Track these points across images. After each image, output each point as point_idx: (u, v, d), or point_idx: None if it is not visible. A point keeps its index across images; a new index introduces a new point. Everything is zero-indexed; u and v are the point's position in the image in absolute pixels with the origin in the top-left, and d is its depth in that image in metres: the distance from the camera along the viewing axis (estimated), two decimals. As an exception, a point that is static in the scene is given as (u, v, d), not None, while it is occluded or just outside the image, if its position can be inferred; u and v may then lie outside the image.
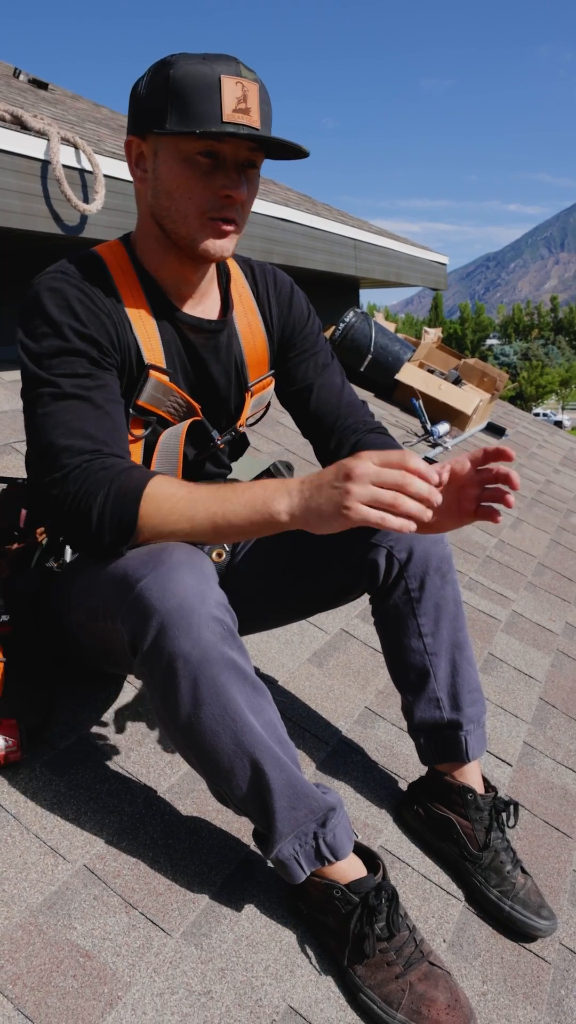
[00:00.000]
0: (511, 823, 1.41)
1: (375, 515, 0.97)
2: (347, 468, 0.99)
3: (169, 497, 1.07)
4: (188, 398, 1.31)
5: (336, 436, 1.42)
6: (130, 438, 1.27)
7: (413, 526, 0.97)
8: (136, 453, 1.29)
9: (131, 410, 1.26)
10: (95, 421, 1.13)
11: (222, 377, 1.36)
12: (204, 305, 1.33)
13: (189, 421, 1.32)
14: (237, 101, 1.10)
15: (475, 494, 1.14)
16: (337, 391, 1.45)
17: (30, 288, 1.18)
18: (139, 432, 1.28)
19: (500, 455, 1.08)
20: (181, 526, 1.08)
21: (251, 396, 1.42)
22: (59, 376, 1.13)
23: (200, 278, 1.30)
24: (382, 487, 0.97)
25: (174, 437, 1.31)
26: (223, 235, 1.19)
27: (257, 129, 1.12)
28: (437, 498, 0.99)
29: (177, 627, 1.02)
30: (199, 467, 1.42)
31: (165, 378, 1.27)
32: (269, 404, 1.50)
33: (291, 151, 1.17)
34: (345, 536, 1.39)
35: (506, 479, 1.09)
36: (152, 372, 1.26)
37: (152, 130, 1.13)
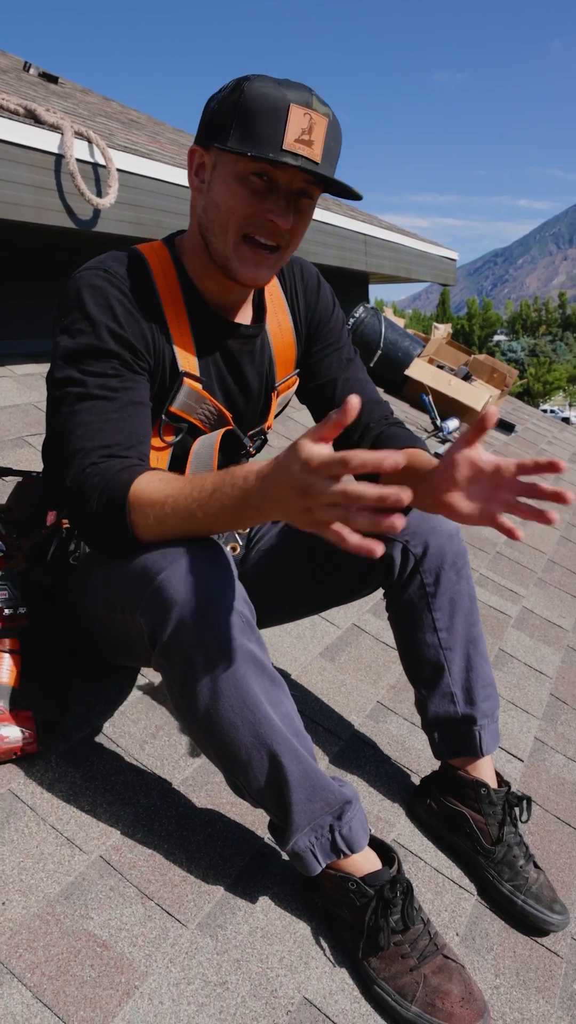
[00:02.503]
0: (524, 818, 1.42)
1: (331, 533, 0.85)
2: (298, 481, 0.86)
3: (152, 501, 1.04)
4: (220, 407, 1.31)
5: (359, 430, 1.41)
6: (160, 444, 1.28)
7: (377, 550, 0.81)
8: (164, 460, 1.30)
9: (163, 416, 1.26)
10: (116, 423, 1.13)
11: (255, 381, 1.37)
12: (241, 312, 1.33)
13: (223, 431, 1.32)
14: (301, 132, 1.09)
15: (507, 499, 1.06)
16: (360, 386, 1.45)
17: (70, 281, 1.19)
18: (169, 439, 1.29)
19: (551, 467, 0.99)
20: (170, 531, 1.06)
21: (277, 396, 1.42)
22: (88, 375, 1.14)
23: (242, 292, 1.29)
24: (336, 505, 0.84)
25: (208, 447, 1.30)
26: (259, 261, 1.18)
27: (316, 163, 1.11)
28: (398, 499, 0.81)
29: (197, 619, 1.02)
30: None
31: (198, 386, 1.27)
32: (288, 403, 1.50)
33: (345, 191, 1.16)
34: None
35: (558, 497, 0.99)
36: (186, 380, 1.26)
37: (214, 143, 1.14)
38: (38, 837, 1.16)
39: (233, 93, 1.12)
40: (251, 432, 1.41)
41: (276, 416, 1.49)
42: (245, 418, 1.39)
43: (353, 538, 0.83)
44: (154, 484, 1.05)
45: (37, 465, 2.21)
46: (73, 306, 1.16)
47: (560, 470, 0.98)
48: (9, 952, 1.00)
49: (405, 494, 0.80)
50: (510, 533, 1.01)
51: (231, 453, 1.40)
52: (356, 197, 1.17)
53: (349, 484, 0.83)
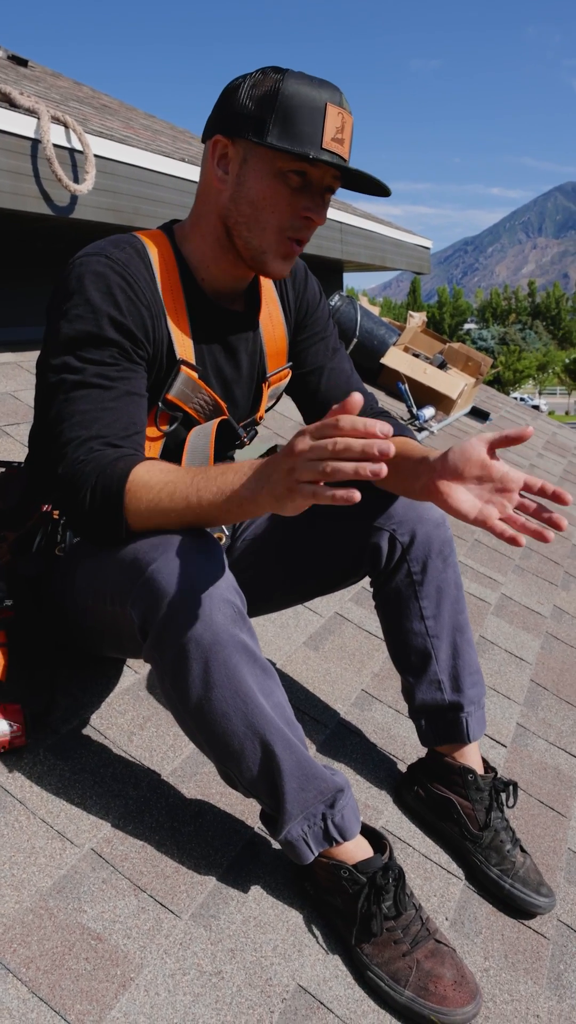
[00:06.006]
0: (510, 803, 1.43)
1: (308, 491, 0.88)
2: (289, 446, 0.91)
3: (150, 488, 1.05)
4: (216, 397, 1.31)
5: None
6: (155, 433, 1.27)
7: (350, 494, 0.86)
8: (156, 450, 1.29)
9: (160, 404, 1.25)
10: (112, 412, 1.11)
11: (247, 369, 1.37)
12: (236, 301, 1.33)
13: (218, 420, 1.31)
14: (336, 131, 1.12)
15: (503, 507, 1.09)
16: (346, 376, 1.46)
17: (69, 268, 1.17)
18: (164, 428, 1.28)
19: (556, 497, 1.04)
20: (163, 517, 1.06)
21: (268, 387, 1.41)
22: (85, 363, 1.12)
23: (245, 281, 1.31)
24: (320, 458, 0.88)
25: (203, 437, 1.30)
26: (289, 256, 1.21)
27: (346, 160, 1.15)
28: (383, 448, 0.85)
29: (189, 610, 1.01)
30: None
31: (195, 374, 1.27)
32: (280, 397, 1.49)
33: (371, 185, 1.18)
34: (347, 519, 1.40)
35: (555, 524, 1.04)
36: (183, 368, 1.25)
37: (248, 136, 1.13)
38: (28, 831, 1.15)
39: (265, 85, 1.12)
40: (243, 423, 1.41)
41: (268, 409, 1.48)
42: (238, 408, 1.39)
43: (332, 492, 0.86)
44: (153, 472, 1.05)
45: (15, 455, 2.19)
46: (74, 291, 1.14)
47: (566, 502, 1.03)
48: (3, 947, 0.99)
49: (387, 446, 0.84)
50: (513, 541, 1.06)
51: (226, 443, 1.39)
52: (384, 193, 1.19)
53: (341, 423, 0.87)
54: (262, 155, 1.14)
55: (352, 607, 2.15)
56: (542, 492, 1.06)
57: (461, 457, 1.11)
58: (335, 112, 1.12)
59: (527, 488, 1.08)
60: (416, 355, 4.84)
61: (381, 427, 0.85)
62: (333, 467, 0.86)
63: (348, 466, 0.85)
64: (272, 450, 1.70)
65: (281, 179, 1.15)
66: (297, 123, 1.11)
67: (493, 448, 1.10)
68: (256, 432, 1.47)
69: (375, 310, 5.53)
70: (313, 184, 1.16)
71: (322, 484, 0.87)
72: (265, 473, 0.96)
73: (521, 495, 1.10)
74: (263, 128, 1.12)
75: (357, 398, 0.87)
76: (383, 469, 0.85)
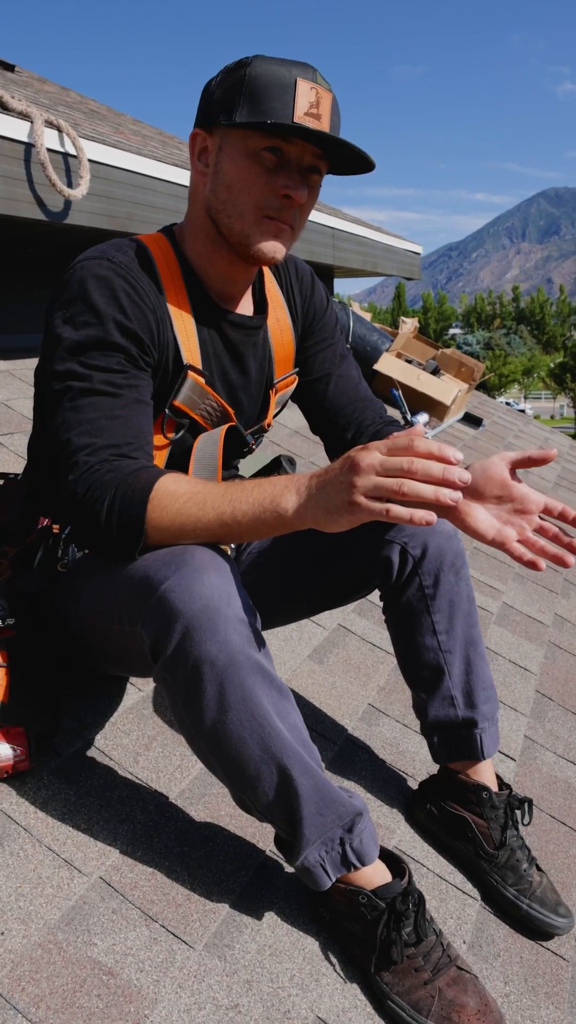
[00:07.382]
0: (526, 821, 1.40)
1: (379, 507, 0.89)
2: (352, 460, 0.91)
3: (176, 498, 1.01)
4: (223, 403, 1.27)
5: (354, 428, 1.39)
6: (162, 442, 1.23)
7: (430, 516, 0.86)
8: (162, 459, 1.25)
9: (167, 411, 1.22)
10: (122, 421, 1.07)
11: (255, 375, 1.33)
12: (242, 305, 1.30)
13: (225, 427, 1.28)
14: (310, 105, 1.08)
15: (521, 528, 1.09)
16: (354, 383, 1.43)
17: (71, 271, 1.13)
18: (171, 435, 1.24)
19: None
20: (189, 527, 1.02)
21: (275, 394, 1.38)
22: (93, 370, 1.08)
23: (246, 280, 1.27)
24: (389, 476, 0.88)
25: (211, 444, 1.26)
26: (277, 235, 1.16)
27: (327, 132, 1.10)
28: (463, 476, 0.87)
29: (203, 630, 0.97)
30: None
31: (202, 380, 1.23)
32: (286, 403, 1.46)
33: (355, 161, 1.14)
34: (358, 532, 1.36)
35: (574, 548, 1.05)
36: (190, 373, 1.21)
37: (220, 122, 1.10)
38: (35, 860, 1.11)
39: (233, 73, 1.10)
40: (251, 429, 1.38)
41: (275, 416, 1.45)
42: (245, 414, 1.35)
43: (411, 513, 0.87)
44: (180, 482, 1.02)
45: (10, 466, 2.14)
46: (77, 297, 1.10)
47: None
48: (11, 986, 0.95)
49: (465, 475, 0.87)
50: (532, 565, 1.05)
51: (233, 450, 1.36)
52: (368, 165, 1.14)
53: (417, 445, 0.88)
54: (234, 138, 1.12)
55: (356, 619, 2.11)
56: (562, 517, 1.05)
57: (482, 476, 1.09)
58: (307, 87, 1.07)
59: (547, 511, 1.08)
60: (409, 361, 4.82)
61: (454, 454, 0.86)
62: (411, 487, 0.87)
63: (427, 489, 0.87)
64: (276, 461, 1.66)
65: (255, 159, 1.11)
66: (265, 100, 1.07)
67: (514, 468, 1.08)
68: (263, 439, 1.44)
69: (367, 316, 5.51)
70: (291, 162, 1.12)
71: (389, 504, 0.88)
72: (312, 485, 0.95)
73: (541, 517, 1.08)
74: (232, 111, 1.09)
75: (420, 427, 0.89)
76: (461, 497, 0.87)
